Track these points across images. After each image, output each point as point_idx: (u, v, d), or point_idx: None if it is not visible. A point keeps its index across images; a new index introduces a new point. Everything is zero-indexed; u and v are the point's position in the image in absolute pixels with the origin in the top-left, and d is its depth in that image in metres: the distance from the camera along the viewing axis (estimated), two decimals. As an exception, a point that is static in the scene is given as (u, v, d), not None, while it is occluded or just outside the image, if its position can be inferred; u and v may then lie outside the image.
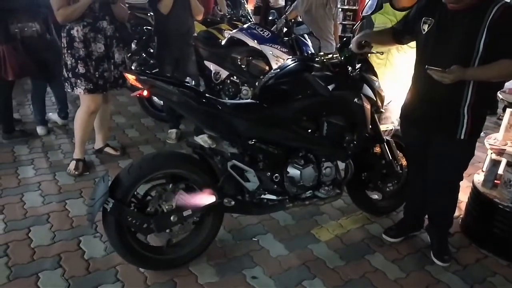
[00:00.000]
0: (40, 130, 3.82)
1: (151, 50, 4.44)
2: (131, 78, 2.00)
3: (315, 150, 2.32)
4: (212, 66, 3.93)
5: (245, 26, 4.03)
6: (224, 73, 3.88)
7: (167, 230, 2.11)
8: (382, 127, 2.65)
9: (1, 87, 3.49)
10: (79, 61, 2.96)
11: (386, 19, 2.71)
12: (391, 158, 2.63)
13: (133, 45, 4.44)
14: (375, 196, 2.89)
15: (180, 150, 2.79)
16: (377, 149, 2.65)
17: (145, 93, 1.99)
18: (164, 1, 3.44)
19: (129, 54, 4.40)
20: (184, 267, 2.23)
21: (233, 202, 2.14)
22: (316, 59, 2.45)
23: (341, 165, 2.48)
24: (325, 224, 2.72)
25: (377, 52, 2.42)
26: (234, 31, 3.96)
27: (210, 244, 2.28)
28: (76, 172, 3.12)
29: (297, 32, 3.73)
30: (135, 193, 2.07)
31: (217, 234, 2.31)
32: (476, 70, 1.98)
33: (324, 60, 2.39)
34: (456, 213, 2.73)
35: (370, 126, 2.51)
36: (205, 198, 2.11)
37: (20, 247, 2.31)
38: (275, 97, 2.26)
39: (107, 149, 3.50)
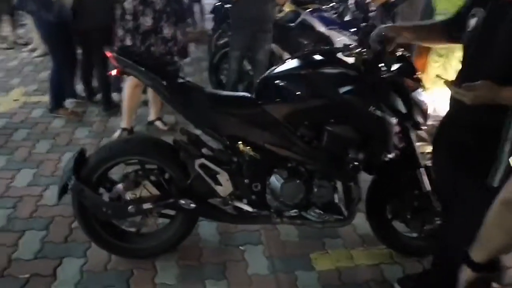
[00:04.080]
0: (116, 96, 4.07)
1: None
2: (109, 55, 1.91)
3: (307, 163, 1.91)
4: (276, 50, 3.62)
5: (322, 8, 3.59)
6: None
7: (133, 219, 2.02)
8: (422, 149, 2.06)
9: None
10: (127, 33, 3.01)
11: (450, 5, 2.05)
12: (429, 189, 2.03)
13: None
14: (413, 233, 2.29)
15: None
16: (414, 175, 2.08)
17: (113, 72, 1.89)
18: None
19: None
20: (151, 260, 2.11)
21: (192, 205, 1.91)
22: (346, 53, 2.00)
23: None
24: (332, 250, 2.28)
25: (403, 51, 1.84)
26: (305, 13, 3.56)
27: (178, 243, 2.11)
28: None
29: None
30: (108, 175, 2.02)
31: (188, 235, 2.11)
32: None
33: (354, 55, 1.94)
34: None
35: (404, 145, 2.00)
36: (165, 195, 1.93)
37: (28, 203, 2.50)
38: (274, 94, 1.92)
39: (157, 123, 3.55)
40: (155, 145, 2.02)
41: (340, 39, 3.21)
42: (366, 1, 3.27)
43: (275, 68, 2.00)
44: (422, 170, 2.02)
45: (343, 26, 3.28)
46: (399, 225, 2.21)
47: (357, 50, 1.97)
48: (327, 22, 3.34)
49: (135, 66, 1.86)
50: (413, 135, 2.01)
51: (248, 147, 1.90)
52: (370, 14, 3.24)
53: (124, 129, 3.32)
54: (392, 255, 2.26)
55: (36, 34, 5.32)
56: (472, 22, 1.52)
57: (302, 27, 3.51)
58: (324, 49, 2.13)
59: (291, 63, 1.98)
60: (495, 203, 0.98)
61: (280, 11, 4.68)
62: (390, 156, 2.07)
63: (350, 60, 1.94)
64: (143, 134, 3.47)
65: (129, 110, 3.30)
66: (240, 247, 2.26)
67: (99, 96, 3.94)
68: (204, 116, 1.91)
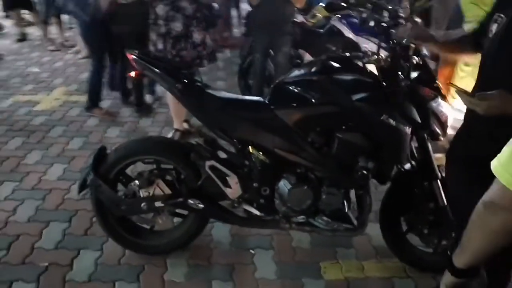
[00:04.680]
0: (149, 98, 4.23)
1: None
2: (129, 57, 2.00)
3: (316, 169, 1.90)
4: (305, 55, 3.63)
5: (352, 14, 3.54)
6: (314, 65, 3.54)
7: (149, 216, 2.09)
8: (441, 161, 1.99)
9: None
10: (159, 37, 3.13)
11: (480, 11, 1.97)
12: (445, 202, 1.96)
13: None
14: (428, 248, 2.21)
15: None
16: (430, 188, 2.02)
17: (132, 74, 1.98)
18: None
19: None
20: (163, 257, 2.17)
21: (201, 205, 1.95)
22: (364, 60, 1.99)
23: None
24: (343, 260, 2.24)
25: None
26: (334, 19, 3.54)
27: (189, 242, 2.17)
28: None
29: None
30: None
31: (198, 234, 2.17)
32: None
33: (372, 63, 1.92)
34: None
35: (421, 156, 1.95)
36: (176, 194, 1.98)
37: (56, 196, 2.64)
38: (287, 99, 1.93)
39: (184, 124, 3.64)
40: (170, 145, 2.09)
41: (367, 45, 3.17)
42: (396, 8, 3.19)
43: (290, 74, 2.01)
44: (439, 182, 1.96)
45: (373, 33, 3.22)
46: (414, 239, 2.15)
47: (374, 58, 1.95)
48: (356, 28, 3.31)
49: (151, 69, 1.93)
50: (430, 146, 1.96)
51: (258, 151, 1.92)
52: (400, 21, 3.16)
53: (176, 130, 3.45)
54: (406, 269, 2.19)
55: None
56: (494, 27, 1.47)
57: (331, 33, 3.50)
58: (340, 56, 2.11)
59: (306, 69, 1.99)
60: (477, 206, 0.95)
61: (314, 16, 4.68)
62: (406, 166, 2.03)
63: (369, 67, 1.93)
64: (160, 136, 3.51)
65: (176, 111, 3.41)
66: (251, 251, 2.28)
67: (133, 98, 4.10)
68: (216, 118, 1.95)
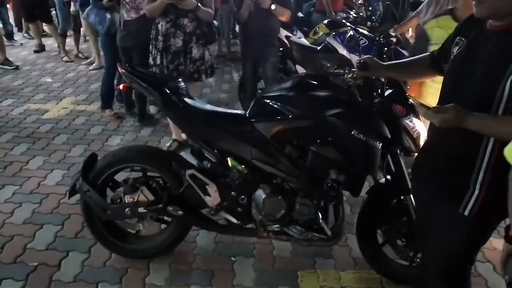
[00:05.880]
0: (152, 109, 4.38)
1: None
2: (120, 70, 2.13)
3: (290, 181, 1.98)
4: (300, 71, 3.73)
5: (347, 31, 3.64)
6: (308, 80, 3.64)
7: (135, 221, 2.20)
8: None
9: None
10: (158, 53, 3.27)
11: (445, 34, 2.04)
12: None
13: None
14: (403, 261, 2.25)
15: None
16: (404, 202, 2.08)
17: (121, 86, 2.10)
18: (242, 11, 3.57)
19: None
20: (147, 261, 2.27)
21: (180, 212, 2.05)
22: (340, 78, 2.08)
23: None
24: (321, 269, 2.29)
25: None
26: (330, 36, 3.65)
27: (171, 248, 2.26)
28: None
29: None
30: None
31: (181, 240, 2.26)
32: (486, 119, 1.33)
33: (348, 80, 2.01)
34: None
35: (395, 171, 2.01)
36: (157, 200, 2.08)
37: (52, 200, 2.77)
38: (265, 113, 2.03)
39: (183, 135, 3.75)
40: (154, 154, 2.21)
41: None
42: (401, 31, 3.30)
43: (270, 89, 2.11)
44: (411, 196, 2.01)
45: (366, 50, 3.31)
46: (392, 251, 2.19)
47: (350, 76, 2.04)
48: (349, 45, 3.40)
49: (138, 82, 2.06)
50: (403, 161, 2.02)
51: (237, 162, 2.01)
52: (391, 39, 3.26)
53: (174, 140, 3.56)
54: (382, 281, 2.23)
55: (94, 49, 5.89)
56: (455, 49, 1.54)
57: (327, 50, 3.60)
58: (317, 73, 2.20)
59: (284, 85, 2.09)
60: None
61: (315, 33, 4.80)
62: (381, 180, 2.10)
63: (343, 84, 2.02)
64: (145, 145, 3.56)
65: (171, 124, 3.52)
66: (232, 258, 2.35)
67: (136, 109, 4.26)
68: (198, 129, 2.06)
